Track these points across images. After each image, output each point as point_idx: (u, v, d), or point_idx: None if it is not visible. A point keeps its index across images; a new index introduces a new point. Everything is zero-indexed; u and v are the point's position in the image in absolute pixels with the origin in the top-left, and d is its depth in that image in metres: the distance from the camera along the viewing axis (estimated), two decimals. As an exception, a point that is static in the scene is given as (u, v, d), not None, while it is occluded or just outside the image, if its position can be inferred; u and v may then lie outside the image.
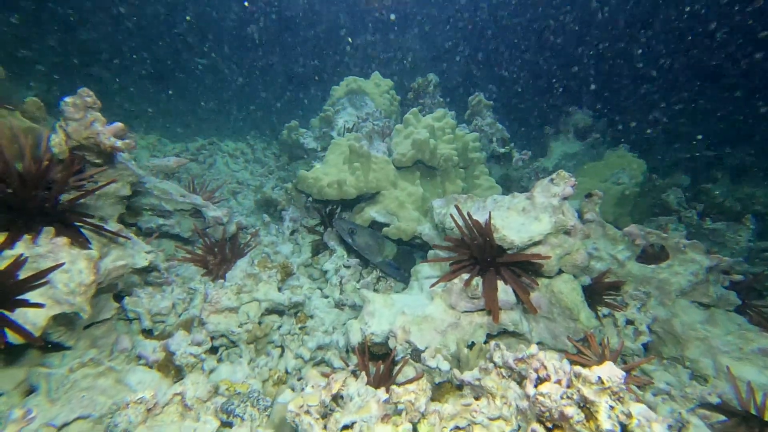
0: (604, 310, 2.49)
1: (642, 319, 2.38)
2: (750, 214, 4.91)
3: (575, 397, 1.14)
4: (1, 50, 8.03)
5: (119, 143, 2.10)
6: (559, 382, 1.24)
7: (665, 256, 2.56)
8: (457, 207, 2.32)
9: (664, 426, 1.06)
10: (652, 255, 2.66)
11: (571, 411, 1.13)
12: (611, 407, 1.08)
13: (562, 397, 1.16)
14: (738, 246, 4.59)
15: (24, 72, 8.16)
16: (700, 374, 2.24)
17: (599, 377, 1.10)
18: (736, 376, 2.02)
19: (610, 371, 1.11)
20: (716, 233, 4.88)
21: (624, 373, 1.11)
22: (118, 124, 2.25)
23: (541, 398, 1.19)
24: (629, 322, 2.43)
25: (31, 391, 1.73)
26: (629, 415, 1.07)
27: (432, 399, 2.06)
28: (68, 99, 1.90)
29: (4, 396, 1.69)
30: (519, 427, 1.39)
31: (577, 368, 1.17)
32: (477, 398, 1.71)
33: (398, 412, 1.48)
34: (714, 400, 1.96)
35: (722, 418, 1.93)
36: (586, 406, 1.12)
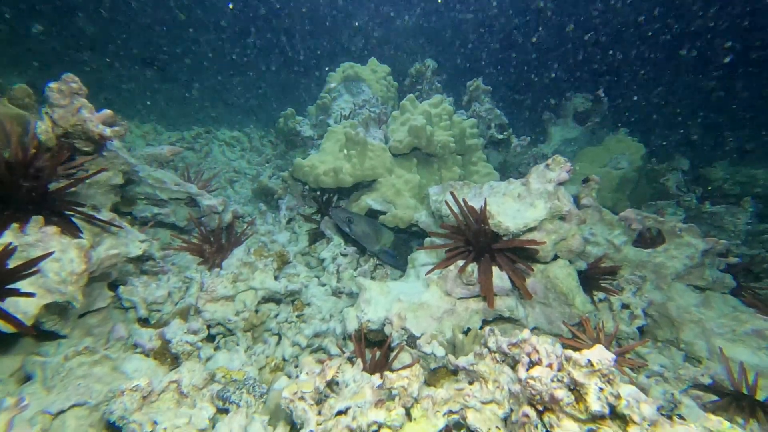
0: (600, 295, 2.50)
1: (637, 303, 2.38)
2: (749, 197, 4.90)
3: (565, 380, 1.14)
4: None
5: (108, 131, 2.07)
6: (550, 365, 1.24)
7: (661, 241, 2.55)
8: (452, 194, 2.30)
9: (653, 407, 1.06)
10: (649, 239, 2.65)
11: (561, 393, 1.13)
12: (600, 389, 1.08)
13: (552, 380, 1.16)
14: (736, 229, 4.59)
15: (18, 59, 8.04)
16: (694, 356, 2.26)
17: (589, 360, 1.10)
18: (729, 357, 2.03)
19: (600, 354, 1.11)
20: (715, 217, 4.87)
21: (614, 356, 1.11)
22: (107, 111, 2.21)
23: (531, 381, 1.20)
24: (625, 306, 2.44)
25: (26, 379, 1.74)
26: (618, 397, 1.07)
27: (428, 384, 2.07)
28: (53, 85, 1.87)
29: (0, 384, 1.70)
30: (511, 410, 1.39)
31: (568, 352, 1.17)
32: (471, 383, 1.72)
33: (392, 398, 1.48)
34: (706, 381, 1.98)
35: (714, 398, 1.95)
36: (576, 388, 1.13)
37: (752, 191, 5.82)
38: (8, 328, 1.43)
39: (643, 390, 1.94)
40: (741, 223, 4.51)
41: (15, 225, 1.65)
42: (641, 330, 2.42)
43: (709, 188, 5.97)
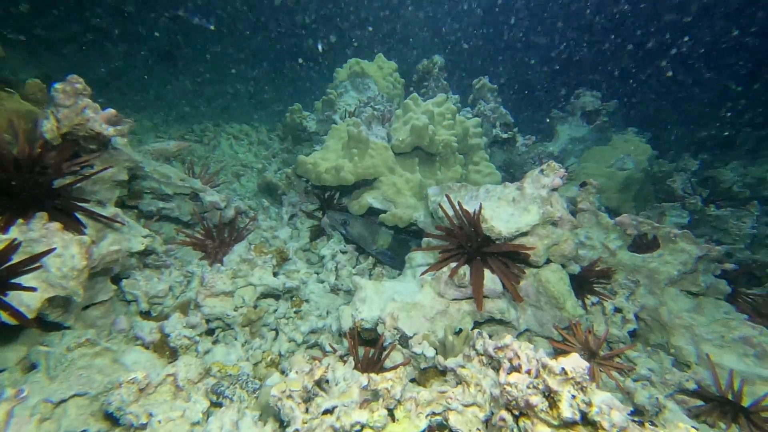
0: (593, 299, 2.51)
1: (630, 307, 2.39)
2: (756, 201, 4.82)
3: (541, 386, 1.17)
4: (9, 28, 8.02)
5: (111, 129, 2.13)
6: (528, 372, 1.27)
7: (657, 246, 2.54)
8: (447, 196, 2.33)
9: (624, 413, 1.09)
10: (645, 244, 2.65)
11: (536, 400, 1.16)
12: (573, 396, 1.11)
13: (528, 387, 1.19)
14: (741, 233, 4.52)
15: (30, 51, 8.18)
16: (683, 361, 2.27)
17: (563, 368, 1.12)
18: (716, 364, 2.04)
19: (574, 362, 1.13)
20: (720, 220, 4.81)
21: (587, 365, 1.13)
22: (111, 111, 2.26)
23: (508, 387, 1.23)
24: (617, 310, 2.45)
25: (32, 367, 1.82)
26: (590, 404, 1.10)
27: (417, 383, 2.12)
28: (58, 85, 1.93)
29: (6, 372, 1.79)
30: (492, 413, 1.43)
31: (545, 359, 1.20)
32: (457, 385, 1.75)
33: (378, 398, 1.53)
34: (691, 386, 1.99)
35: (700, 402, 1.96)
36: (550, 395, 1.16)
37: (762, 194, 5.72)
38: (11, 321, 1.50)
39: (629, 394, 1.97)
40: (746, 227, 4.44)
41: (21, 221, 1.72)
42: (633, 334, 2.43)
43: (723, 180, 5.82)
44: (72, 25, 9.18)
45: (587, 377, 1.12)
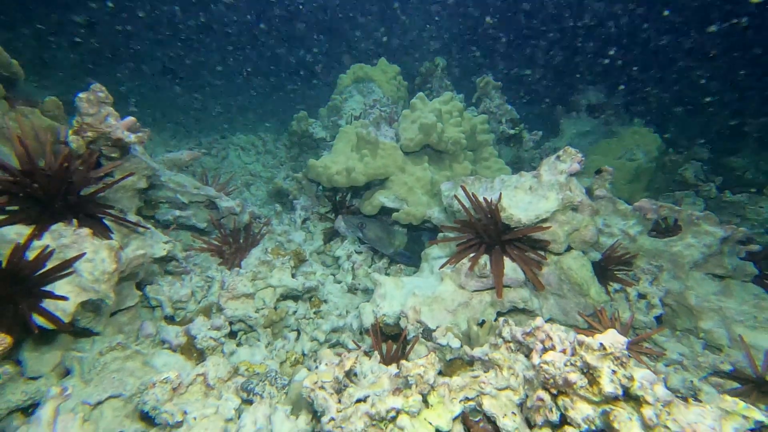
0: (616, 286, 2.49)
1: (654, 292, 2.37)
2: (772, 186, 4.77)
3: (578, 363, 1.17)
4: (22, 55, 8.24)
5: (132, 137, 2.18)
6: (563, 351, 1.27)
7: (678, 230, 2.52)
8: (463, 187, 2.34)
9: (665, 388, 1.08)
10: (665, 229, 2.63)
11: (575, 377, 1.16)
12: (613, 371, 1.10)
13: (565, 365, 1.19)
14: (759, 218, 4.46)
15: (43, 74, 8.39)
16: (714, 344, 2.23)
17: (601, 344, 1.12)
18: (750, 345, 2.01)
19: (612, 338, 1.13)
20: (737, 206, 4.75)
21: (627, 340, 1.13)
22: (131, 118, 2.32)
23: (545, 366, 1.23)
24: (641, 296, 2.42)
25: (66, 373, 1.85)
26: (631, 379, 1.09)
27: (443, 375, 2.11)
28: (82, 95, 1.98)
29: (43, 378, 1.82)
30: (526, 396, 1.42)
31: (581, 336, 1.20)
32: (487, 371, 1.75)
33: (409, 386, 1.53)
34: (727, 368, 1.96)
35: (736, 385, 1.93)
36: (589, 372, 1.15)
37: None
38: (48, 325, 1.53)
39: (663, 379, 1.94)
40: (764, 211, 4.38)
41: (53, 227, 1.76)
42: (659, 319, 2.40)
43: (736, 167, 5.75)
44: (80, 48, 9.41)
45: (626, 352, 1.11)
